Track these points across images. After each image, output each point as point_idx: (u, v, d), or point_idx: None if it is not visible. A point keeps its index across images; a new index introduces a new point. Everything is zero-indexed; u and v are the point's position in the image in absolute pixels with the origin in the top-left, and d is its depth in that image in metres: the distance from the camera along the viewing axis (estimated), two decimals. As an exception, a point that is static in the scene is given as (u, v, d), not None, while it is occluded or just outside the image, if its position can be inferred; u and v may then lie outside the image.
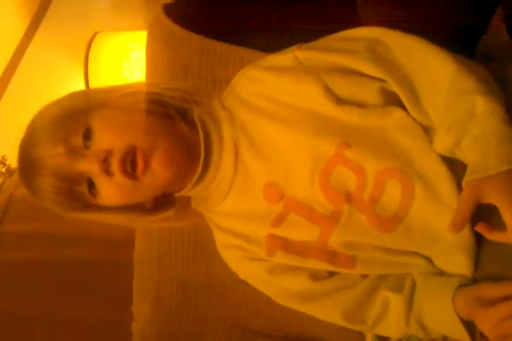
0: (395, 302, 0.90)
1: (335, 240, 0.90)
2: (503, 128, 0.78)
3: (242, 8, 1.16)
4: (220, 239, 1.01)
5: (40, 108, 0.93)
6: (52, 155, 0.87)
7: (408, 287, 0.91)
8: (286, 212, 0.92)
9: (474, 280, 0.87)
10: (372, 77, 0.87)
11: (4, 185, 1.56)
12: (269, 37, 1.13)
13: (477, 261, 0.87)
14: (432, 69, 0.85)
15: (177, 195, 0.97)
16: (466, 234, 0.84)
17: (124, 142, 0.86)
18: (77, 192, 0.89)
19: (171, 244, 1.24)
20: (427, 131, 0.86)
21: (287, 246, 0.94)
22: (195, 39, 1.15)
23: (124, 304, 1.29)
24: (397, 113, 0.86)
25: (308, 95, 0.89)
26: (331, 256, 0.93)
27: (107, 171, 0.86)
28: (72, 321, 1.31)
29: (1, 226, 1.44)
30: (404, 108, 0.86)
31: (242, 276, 1.02)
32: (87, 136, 0.87)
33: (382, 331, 0.97)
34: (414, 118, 0.86)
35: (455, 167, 0.85)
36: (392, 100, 0.87)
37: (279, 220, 0.93)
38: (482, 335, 0.85)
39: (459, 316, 0.85)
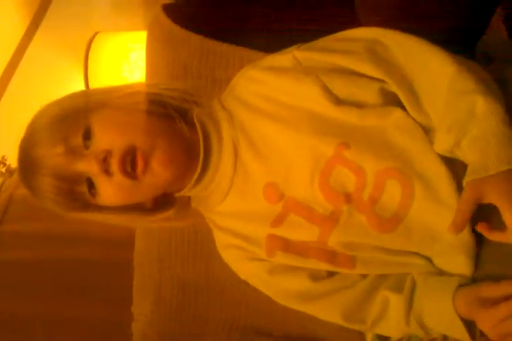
0: (395, 302, 0.90)
1: (334, 240, 0.90)
2: (503, 128, 0.78)
3: (242, 8, 1.16)
4: (220, 239, 1.01)
5: (40, 108, 0.93)
6: (52, 155, 0.87)
7: (408, 287, 0.90)
8: (286, 212, 0.92)
9: (474, 280, 0.87)
10: (372, 78, 0.87)
11: (4, 185, 1.56)
12: (269, 37, 1.13)
13: (477, 261, 0.86)
14: (432, 69, 0.85)
15: (177, 195, 0.97)
16: (466, 234, 0.84)
17: (124, 142, 0.86)
18: (77, 192, 0.89)
19: (171, 244, 1.24)
20: (427, 131, 0.86)
21: (287, 246, 0.94)
22: (195, 39, 1.15)
23: (124, 304, 1.29)
24: (397, 113, 0.86)
25: (308, 95, 0.89)
26: (331, 256, 0.93)
27: (107, 171, 0.86)
28: (72, 321, 1.31)
29: (1, 226, 1.43)
30: (403, 108, 0.86)
31: (242, 276, 1.02)
32: (87, 136, 0.88)
33: (382, 331, 0.97)
34: (413, 119, 0.86)
35: (455, 167, 0.85)
36: (391, 100, 0.87)
37: (278, 220, 0.93)
38: (482, 334, 0.85)
39: (459, 316, 0.85)
